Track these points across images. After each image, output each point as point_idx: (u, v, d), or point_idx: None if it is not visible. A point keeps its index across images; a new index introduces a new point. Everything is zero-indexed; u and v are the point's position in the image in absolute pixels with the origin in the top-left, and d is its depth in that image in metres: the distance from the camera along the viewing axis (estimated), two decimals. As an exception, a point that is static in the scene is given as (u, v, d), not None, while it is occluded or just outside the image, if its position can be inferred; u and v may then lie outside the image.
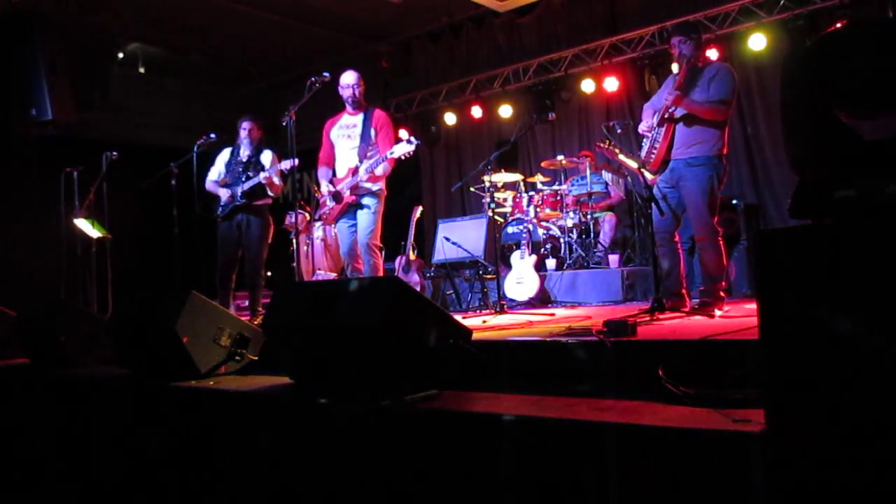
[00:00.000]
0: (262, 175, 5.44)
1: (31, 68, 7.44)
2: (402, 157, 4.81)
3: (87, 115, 8.56)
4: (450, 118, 9.22)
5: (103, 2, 7.80)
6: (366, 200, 4.97)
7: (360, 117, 5.09)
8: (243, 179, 5.53)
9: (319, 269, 7.19)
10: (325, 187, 5.12)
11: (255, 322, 4.10)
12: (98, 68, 9.12)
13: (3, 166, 7.98)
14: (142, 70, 9.52)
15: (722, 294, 4.17)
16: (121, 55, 9.27)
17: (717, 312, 3.99)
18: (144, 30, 8.75)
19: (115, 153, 6.46)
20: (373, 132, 5.02)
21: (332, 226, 5.44)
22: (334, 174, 5.15)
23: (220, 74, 10.19)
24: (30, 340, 4.81)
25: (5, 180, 8.03)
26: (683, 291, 4.24)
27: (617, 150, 5.46)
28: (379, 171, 4.91)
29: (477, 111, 8.94)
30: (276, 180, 5.54)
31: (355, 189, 4.95)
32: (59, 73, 7.56)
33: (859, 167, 1.65)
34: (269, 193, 5.58)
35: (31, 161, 8.08)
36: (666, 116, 4.18)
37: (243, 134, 5.69)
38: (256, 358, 3.63)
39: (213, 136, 5.82)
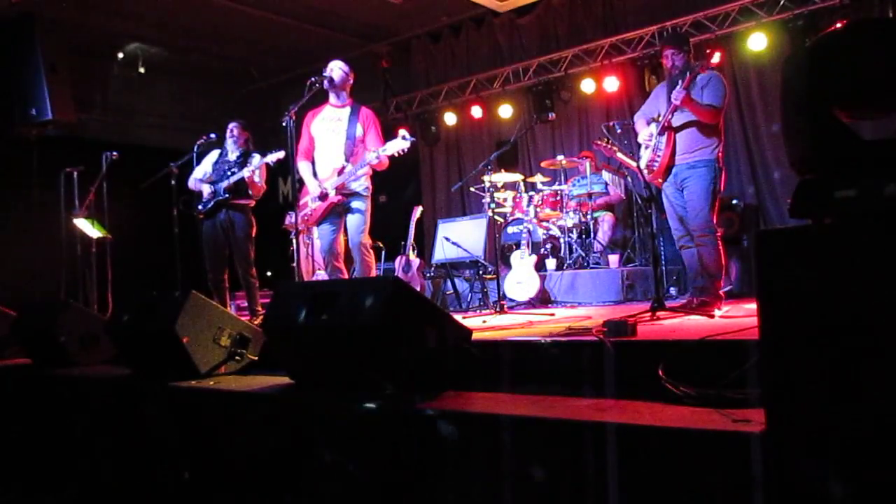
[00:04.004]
0: (246, 170, 5.44)
1: (31, 68, 7.45)
2: (397, 154, 4.63)
3: (87, 115, 8.57)
4: (450, 118, 9.21)
5: (103, 2, 7.80)
6: (355, 204, 4.79)
7: (345, 111, 4.88)
8: (228, 175, 5.55)
9: (319, 269, 7.18)
10: (312, 186, 4.87)
11: (255, 322, 4.10)
12: (98, 68, 9.13)
13: (3, 166, 7.98)
14: (142, 70, 9.51)
15: (721, 293, 4.20)
16: (121, 55, 9.27)
17: (717, 312, 4.00)
18: (144, 30, 8.74)
19: (115, 153, 6.46)
20: (359, 129, 4.80)
21: (314, 227, 5.36)
22: (315, 171, 4.93)
23: (220, 74, 10.18)
24: (30, 340, 4.82)
25: (5, 180, 8.03)
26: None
27: (615, 149, 5.48)
28: (362, 171, 4.72)
29: (477, 111, 8.94)
30: (259, 180, 5.55)
31: (341, 189, 4.75)
32: (59, 73, 7.56)
33: (859, 167, 1.65)
34: (250, 193, 5.58)
35: (31, 161, 8.08)
36: (666, 125, 4.26)
37: (229, 135, 5.77)
38: (256, 358, 3.63)
39: (213, 135, 5.85)
